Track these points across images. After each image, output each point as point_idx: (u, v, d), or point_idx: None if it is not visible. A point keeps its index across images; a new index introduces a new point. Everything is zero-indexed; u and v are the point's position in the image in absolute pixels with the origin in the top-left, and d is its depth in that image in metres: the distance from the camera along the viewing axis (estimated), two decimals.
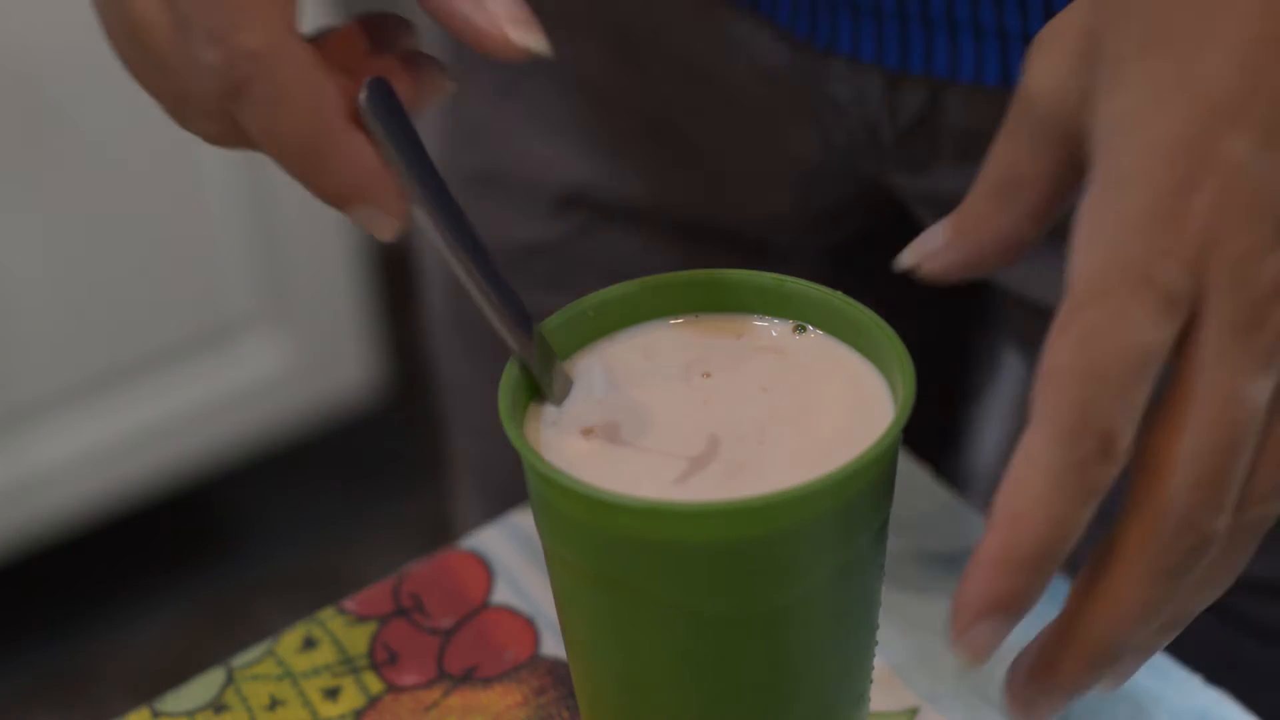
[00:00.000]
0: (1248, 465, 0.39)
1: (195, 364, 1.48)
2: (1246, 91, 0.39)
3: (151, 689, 0.68)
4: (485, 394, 0.70)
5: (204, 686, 0.52)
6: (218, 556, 1.59)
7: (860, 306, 0.44)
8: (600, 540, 0.41)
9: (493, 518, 0.72)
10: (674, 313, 0.46)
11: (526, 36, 0.42)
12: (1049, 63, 0.42)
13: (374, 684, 0.52)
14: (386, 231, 0.42)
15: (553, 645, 0.53)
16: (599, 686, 0.44)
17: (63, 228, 1.39)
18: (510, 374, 0.43)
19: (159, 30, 0.41)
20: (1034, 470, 0.38)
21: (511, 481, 0.71)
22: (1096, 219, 0.39)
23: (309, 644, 0.53)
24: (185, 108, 0.42)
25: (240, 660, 0.53)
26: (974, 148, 0.53)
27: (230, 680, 0.52)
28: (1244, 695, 0.51)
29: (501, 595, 0.54)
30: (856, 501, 0.41)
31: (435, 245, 0.44)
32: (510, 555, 0.55)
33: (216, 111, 0.42)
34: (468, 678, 0.52)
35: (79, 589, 1.55)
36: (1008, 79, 0.52)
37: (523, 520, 0.57)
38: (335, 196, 0.42)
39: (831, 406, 0.44)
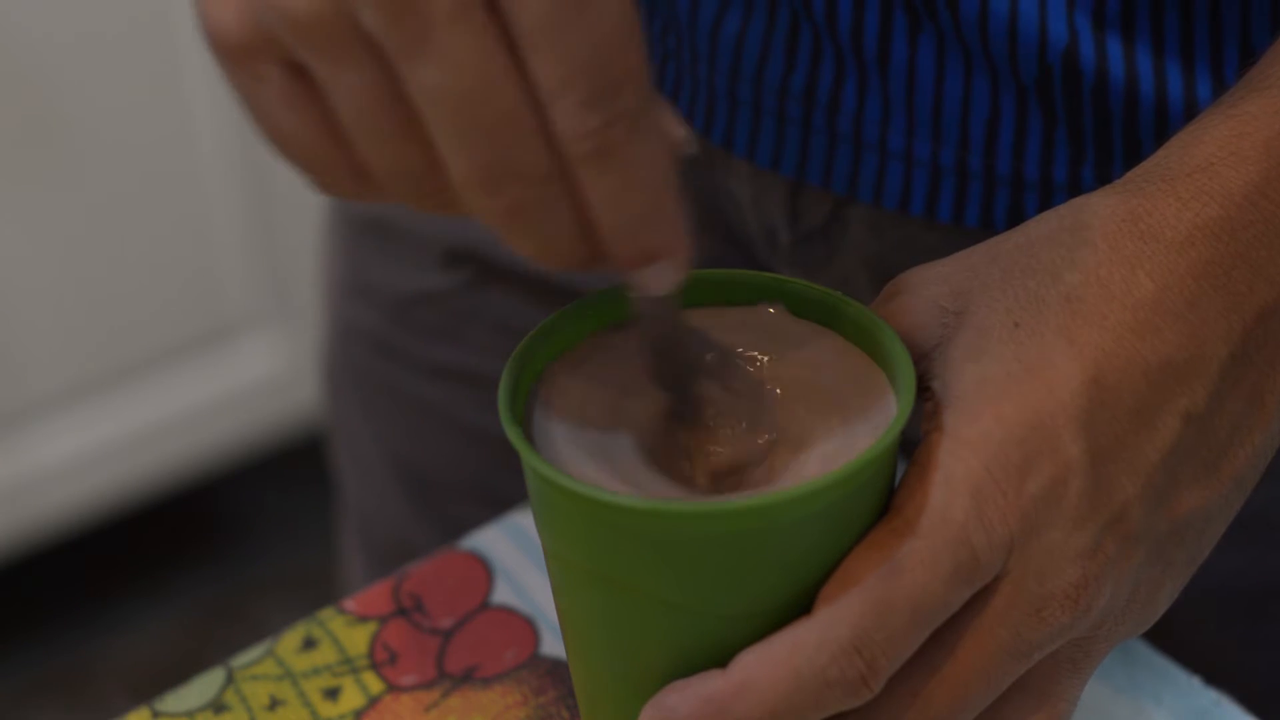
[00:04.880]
0: None
1: (195, 364, 1.48)
2: (1092, 405, 0.40)
3: (151, 689, 0.68)
4: (371, 439, 0.70)
5: (204, 686, 0.52)
6: (218, 556, 1.59)
7: (861, 306, 0.44)
8: (600, 540, 0.41)
9: (372, 572, 0.71)
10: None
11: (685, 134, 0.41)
12: (911, 305, 0.43)
13: (374, 684, 0.51)
14: (671, 283, 0.40)
15: (553, 645, 0.52)
16: (599, 686, 0.44)
17: (63, 228, 1.39)
18: (510, 371, 0.43)
19: (507, 99, 0.37)
20: (791, 657, 0.40)
21: (389, 533, 0.71)
22: (943, 463, 0.40)
23: (309, 644, 0.53)
24: (499, 183, 0.38)
25: (240, 660, 0.52)
26: (869, 267, 0.54)
27: (230, 680, 0.52)
28: (1244, 696, 0.51)
29: (501, 595, 0.54)
30: (857, 499, 0.41)
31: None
32: (510, 555, 0.55)
33: (551, 181, 0.38)
34: (468, 678, 0.51)
35: (79, 588, 1.55)
36: (907, 205, 0.52)
37: (523, 520, 0.56)
38: (643, 254, 0.39)
39: (833, 404, 0.43)
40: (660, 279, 0.40)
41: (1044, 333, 0.41)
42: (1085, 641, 0.42)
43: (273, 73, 0.39)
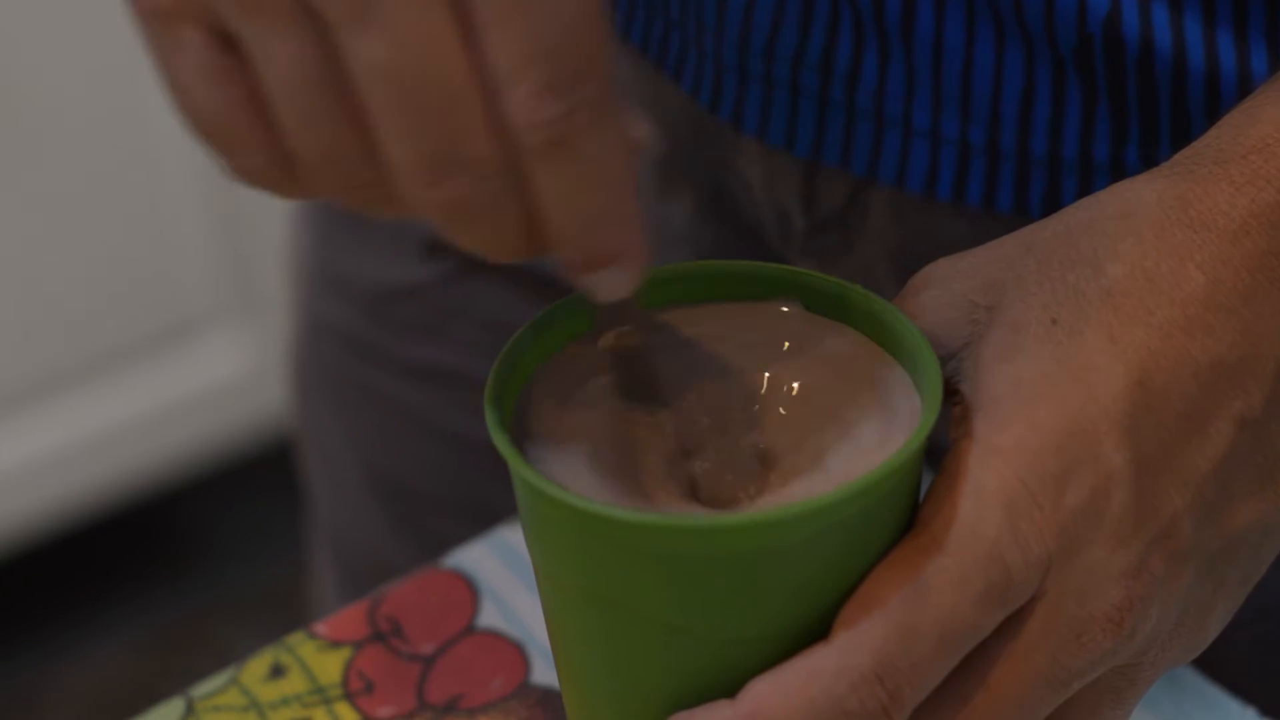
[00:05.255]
0: None
1: (152, 364, 1.49)
2: (1137, 410, 0.40)
3: (105, 719, 0.67)
4: (344, 445, 0.70)
5: (162, 718, 0.51)
6: (177, 574, 1.60)
7: (883, 301, 0.43)
8: (595, 557, 0.40)
9: (345, 592, 0.72)
10: (681, 304, 0.45)
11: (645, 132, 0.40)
12: (939, 300, 0.43)
13: (348, 716, 0.51)
14: (623, 290, 0.39)
15: (544, 672, 0.52)
16: (594, 716, 0.43)
17: (15, 220, 1.39)
18: (496, 375, 0.42)
19: (454, 83, 0.36)
20: (807, 685, 0.39)
21: (363, 549, 0.71)
22: (973, 473, 0.39)
23: (277, 672, 0.52)
24: (443, 173, 0.37)
25: (201, 689, 0.52)
26: (891, 257, 0.54)
27: (190, 711, 0.51)
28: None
29: (488, 618, 0.54)
30: (878, 513, 0.40)
31: None
32: (497, 574, 0.55)
33: (499, 174, 0.37)
34: (451, 708, 0.51)
35: (23, 609, 1.55)
36: (933, 187, 0.52)
37: (511, 536, 0.56)
38: (596, 257, 0.39)
39: (852, 409, 0.43)
40: (612, 285, 0.39)
41: (1084, 330, 0.40)
42: (1129, 669, 0.41)
43: (195, 39, 0.38)
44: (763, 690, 0.39)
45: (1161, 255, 0.40)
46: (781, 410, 0.43)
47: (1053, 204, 0.50)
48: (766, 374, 0.43)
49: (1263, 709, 0.50)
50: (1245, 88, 0.48)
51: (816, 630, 0.40)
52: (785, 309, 0.44)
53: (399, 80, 0.36)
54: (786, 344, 0.44)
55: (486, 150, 0.37)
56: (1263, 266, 0.40)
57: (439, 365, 0.66)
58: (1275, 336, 0.40)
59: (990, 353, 0.41)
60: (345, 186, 0.39)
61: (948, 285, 0.43)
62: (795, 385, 0.43)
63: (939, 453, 0.41)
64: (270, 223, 1.40)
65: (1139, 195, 0.41)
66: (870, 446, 0.41)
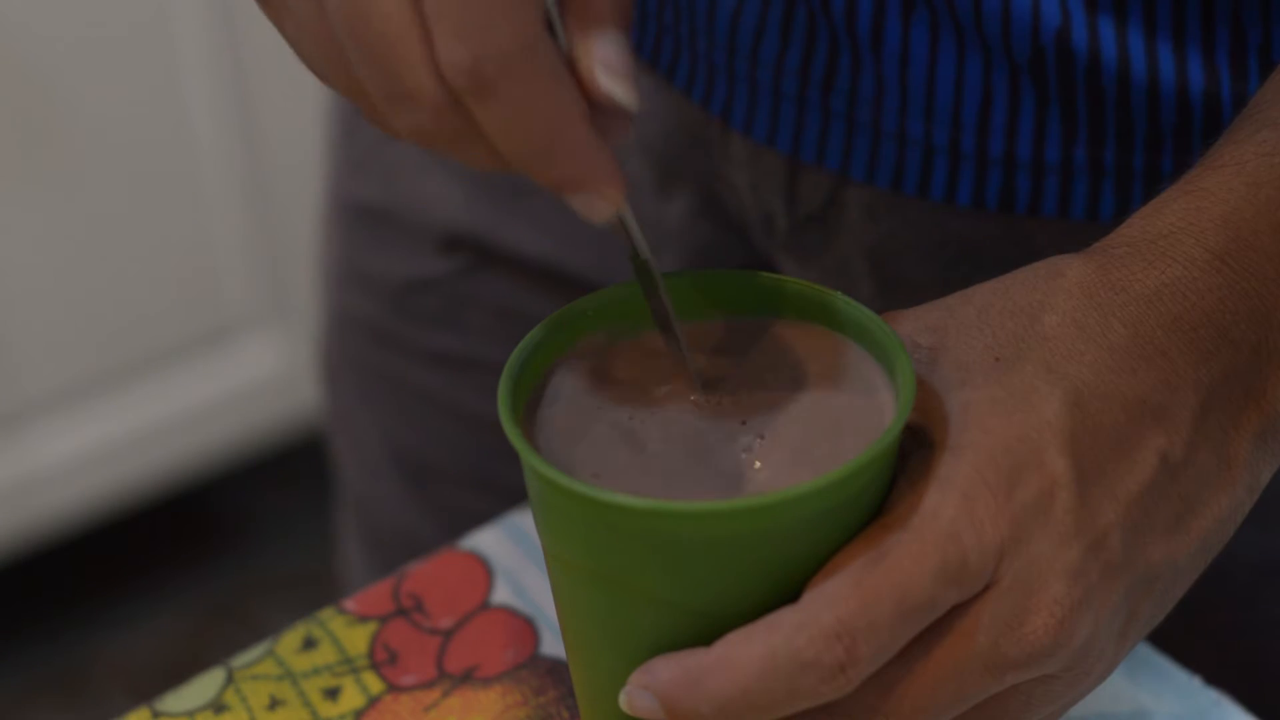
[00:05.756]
0: None
1: (195, 364, 1.48)
2: (1075, 427, 0.41)
3: (151, 689, 0.68)
4: (370, 426, 0.71)
5: (204, 686, 0.52)
6: (217, 556, 1.59)
7: (861, 306, 0.44)
8: (598, 540, 0.41)
9: (373, 568, 0.72)
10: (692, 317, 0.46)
11: (614, 85, 0.41)
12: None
13: (374, 684, 0.52)
14: (601, 215, 0.41)
15: (553, 645, 0.52)
16: (599, 686, 0.44)
17: (62, 228, 1.39)
18: (510, 372, 0.43)
19: (391, 24, 0.38)
20: (770, 635, 0.40)
21: (386, 520, 0.71)
22: (933, 469, 0.41)
23: (309, 644, 0.53)
24: (399, 105, 0.40)
25: (240, 660, 0.53)
26: (866, 253, 0.55)
27: (230, 680, 0.52)
28: (1244, 695, 0.51)
29: (501, 595, 0.54)
30: (858, 501, 0.41)
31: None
32: (510, 555, 0.55)
33: (444, 109, 0.39)
34: (468, 678, 0.52)
35: (79, 589, 1.55)
36: (899, 184, 0.53)
37: (523, 520, 0.56)
38: (557, 184, 0.40)
39: (832, 406, 0.44)
40: (587, 209, 0.41)
41: (1025, 366, 0.42)
42: (1051, 681, 0.42)
43: (273, 3, 0.42)
44: (733, 639, 0.40)
45: (1089, 310, 0.42)
46: (777, 408, 0.44)
47: (1008, 198, 0.52)
48: (764, 376, 0.44)
49: (1207, 678, 0.51)
50: (1183, 94, 0.49)
51: None
52: (784, 322, 0.45)
53: (349, 23, 0.39)
54: (783, 350, 0.45)
55: (427, 88, 0.39)
56: (1176, 328, 0.42)
57: (455, 351, 0.66)
58: (1189, 387, 0.42)
59: (939, 385, 0.42)
60: (372, 116, 0.41)
61: (894, 327, 0.44)
62: (779, 384, 0.44)
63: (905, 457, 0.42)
64: (303, 233, 1.36)
65: (1067, 263, 0.43)
66: (848, 440, 0.42)
